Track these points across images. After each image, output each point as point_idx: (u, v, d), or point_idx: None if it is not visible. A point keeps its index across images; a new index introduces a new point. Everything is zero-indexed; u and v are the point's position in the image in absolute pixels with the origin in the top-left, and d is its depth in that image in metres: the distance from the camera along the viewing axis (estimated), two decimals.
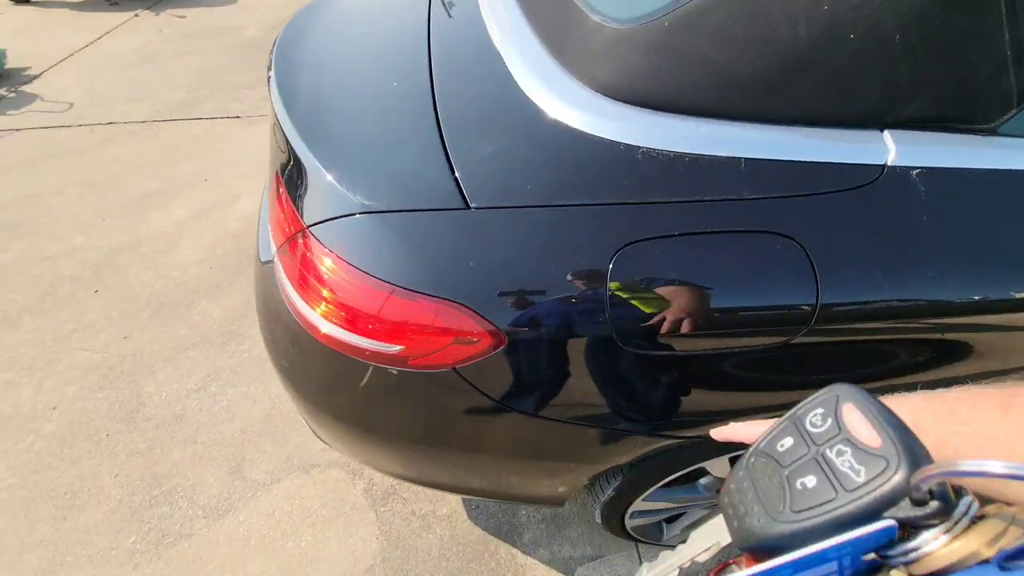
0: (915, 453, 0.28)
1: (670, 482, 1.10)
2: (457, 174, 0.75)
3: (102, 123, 3.02)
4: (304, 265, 0.80)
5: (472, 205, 0.73)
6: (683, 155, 0.72)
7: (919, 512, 0.26)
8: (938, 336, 0.79)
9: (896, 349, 0.80)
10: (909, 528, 0.27)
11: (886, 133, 0.72)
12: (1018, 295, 0.75)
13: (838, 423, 0.31)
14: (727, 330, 0.73)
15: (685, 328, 0.72)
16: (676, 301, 0.71)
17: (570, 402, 0.80)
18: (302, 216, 0.80)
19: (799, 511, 0.29)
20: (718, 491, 1.08)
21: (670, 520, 1.24)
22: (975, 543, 0.25)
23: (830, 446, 0.30)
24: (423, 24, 1.01)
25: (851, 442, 0.30)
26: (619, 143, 0.73)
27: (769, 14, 0.71)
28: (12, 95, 3.31)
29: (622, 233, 0.71)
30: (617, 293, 0.70)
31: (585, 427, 0.83)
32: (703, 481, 1.10)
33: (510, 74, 0.84)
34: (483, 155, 0.77)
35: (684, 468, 0.97)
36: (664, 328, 0.72)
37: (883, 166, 0.71)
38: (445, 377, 0.77)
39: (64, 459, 1.49)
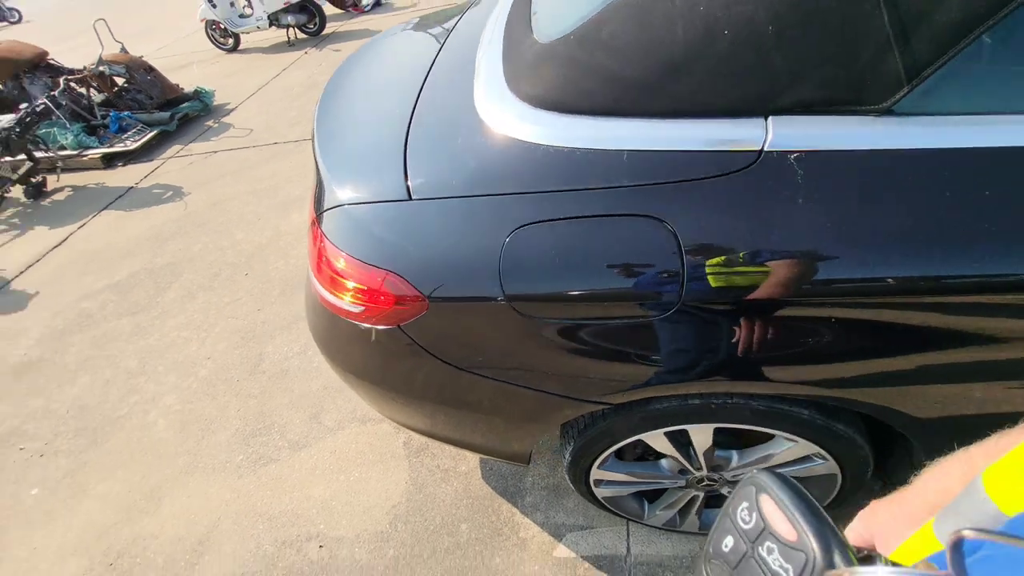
0: (827, 545, 0.30)
1: (628, 456, 1.17)
2: (408, 172, 0.95)
3: (269, 143, 3.81)
4: (314, 246, 1.07)
5: (413, 197, 0.92)
6: (576, 150, 0.83)
7: None
8: (799, 314, 0.78)
9: (765, 327, 0.80)
10: None
11: (769, 119, 0.74)
12: (898, 275, 0.71)
13: (761, 517, 0.33)
14: (605, 302, 0.82)
15: (566, 299, 0.83)
16: (561, 275, 0.83)
17: (487, 361, 0.95)
18: (315, 209, 1.07)
19: None
20: (681, 471, 1.12)
21: (652, 499, 1.28)
22: None
23: (760, 543, 0.32)
24: (432, 55, 1.23)
25: (775, 537, 0.32)
26: (527, 142, 0.86)
27: (652, 21, 0.79)
28: (216, 125, 4.32)
29: (517, 218, 0.84)
30: (509, 267, 0.84)
31: (507, 384, 0.96)
32: (664, 462, 1.14)
33: (472, 89, 1.02)
34: (430, 157, 0.95)
35: (623, 439, 1.04)
36: (549, 298, 0.84)
37: (759, 151, 0.74)
38: (395, 333, 0.97)
39: (208, 395, 2.01)
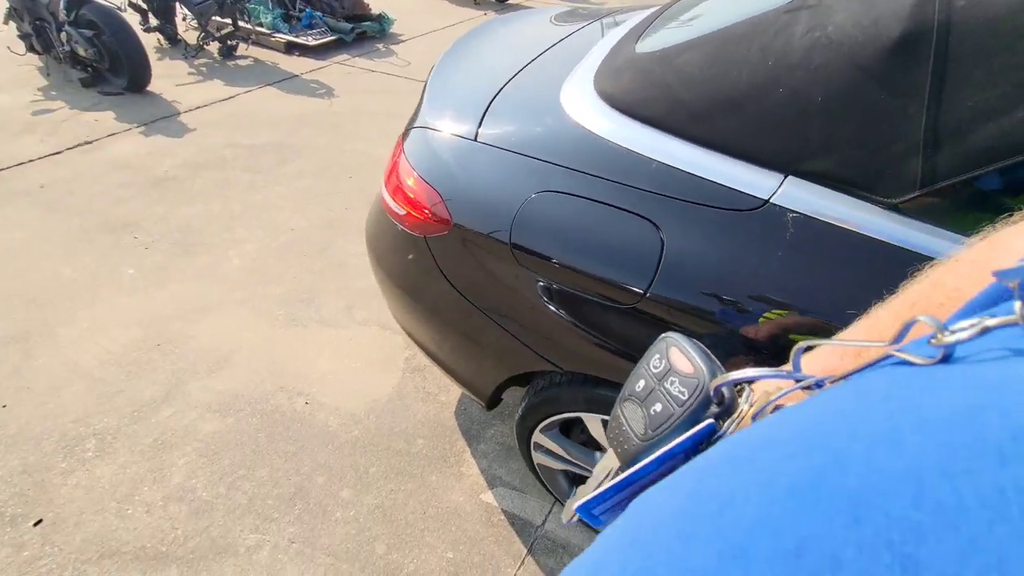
0: (712, 371, 0.37)
1: (568, 433, 1.28)
2: (483, 121, 1.12)
3: (418, 79, 4.17)
4: (393, 154, 1.27)
5: (478, 140, 1.10)
6: (618, 146, 0.95)
7: (720, 409, 0.36)
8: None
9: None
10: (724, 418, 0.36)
11: (788, 178, 0.82)
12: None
13: (668, 362, 0.39)
14: (584, 277, 0.94)
15: (556, 262, 0.96)
16: (560, 240, 0.96)
17: (480, 292, 1.10)
18: (406, 127, 1.28)
19: (656, 429, 0.37)
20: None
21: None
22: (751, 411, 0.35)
23: (666, 379, 0.39)
24: (554, 41, 1.39)
25: (677, 373, 0.38)
26: (584, 128, 1.00)
27: (723, 59, 0.89)
28: (383, 49, 4.77)
29: (546, 183, 0.98)
30: (523, 220, 0.99)
31: (488, 317, 1.11)
32: (599, 455, 1.24)
33: (566, 76, 1.17)
34: (505, 115, 1.12)
35: (565, 409, 1.16)
36: (543, 256, 0.97)
37: (765, 200, 0.82)
38: (419, 242, 1.15)
39: (279, 256, 2.34)
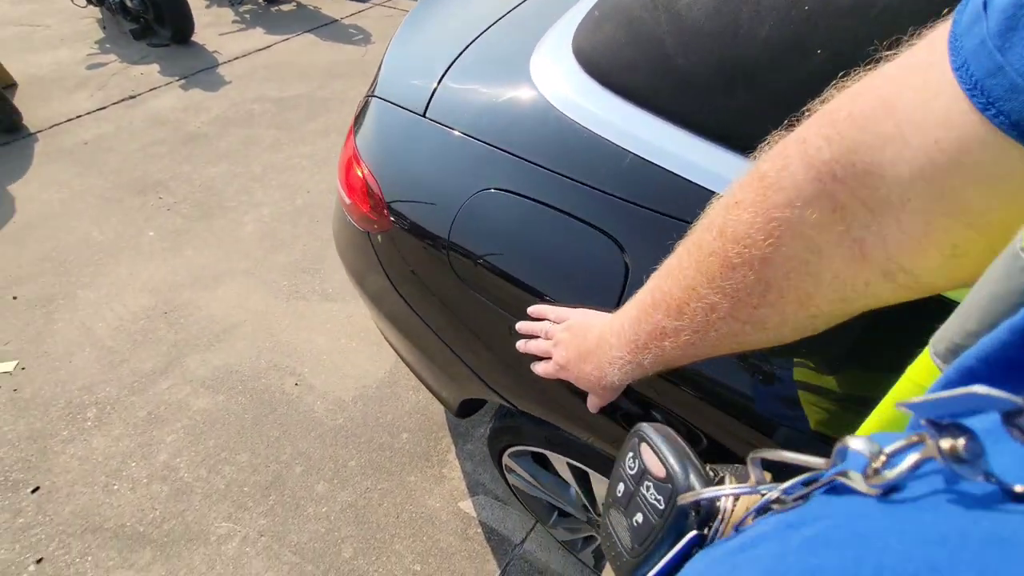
0: (684, 471, 0.34)
1: (541, 461, 1.10)
2: (436, 89, 0.89)
3: None
4: (349, 130, 1.08)
5: (427, 116, 0.88)
6: (584, 129, 0.71)
7: (700, 516, 0.32)
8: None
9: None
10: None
11: None
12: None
13: (642, 461, 0.37)
14: (531, 301, 0.73)
15: (499, 279, 0.75)
16: (504, 252, 0.75)
17: (425, 307, 0.92)
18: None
19: (641, 543, 0.35)
20: (584, 507, 1.04)
21: (564, 515, 1.22)
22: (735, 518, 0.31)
23: (641, 483, 0.36)
24: None
25: (651, 476, 0.35)
26: (548, 102, 0.76)
27: (736, 7, 0.60)
28: None
29: (492, 178, 0.76)
30: (464, 219, 0.78)
31: (436, 335, 0.93)
32: (572, 491, 1.06)
33: (544, 31, 0.90)
34: (462, 83, 0.88)
35: (528, 445, 0.98)
36: (485, 267, 0.77)
37: None
38: (364, 239, 0.98)
39: (291, 221, 2.26)
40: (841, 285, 0.32)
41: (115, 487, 1.45)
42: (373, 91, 1.00)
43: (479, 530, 1.35)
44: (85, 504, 1.42)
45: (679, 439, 0.37)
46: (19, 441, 1.55)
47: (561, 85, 0.76)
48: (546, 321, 0.64)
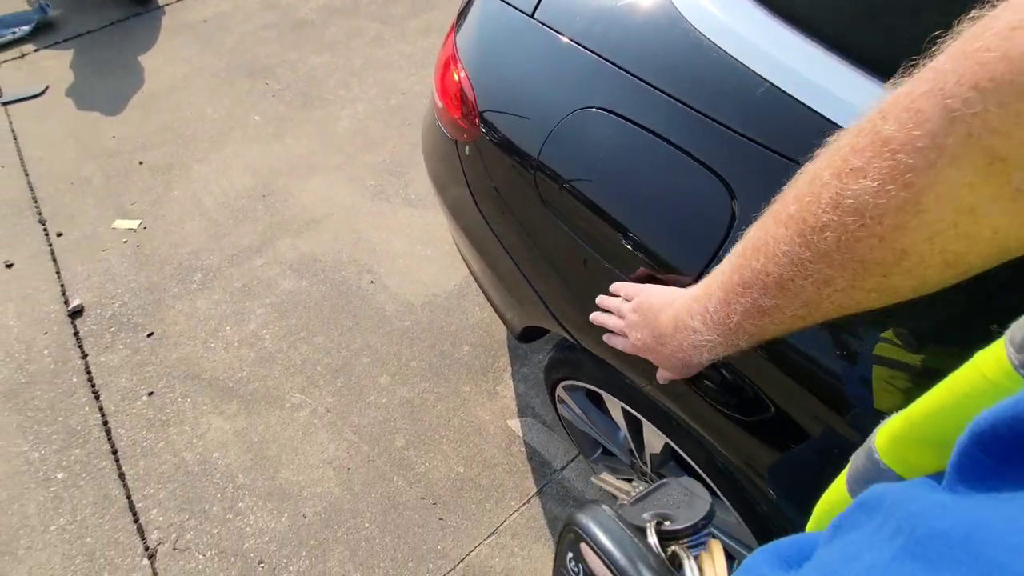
0: None
1: (595, 399, 1.09)
2: None
3: None
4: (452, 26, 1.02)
5: (535, 16, 0.80)
6: (715, 47, 0.61)
7: None
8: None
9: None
10: None
11: None
12: None
13: (585, 564, 0.34)
14: (618, 243, 0.68)
15: (586, 208, 0.70)
16: (598, 181, 0.69)
17: (503, 225, 0.89)
18: None
19: None
20: (629, 450, 1.04)
21: (606, 452, 1.23)
22: None
23: None
24: None
25: None
26: (675, 8, 0.66)
27: None
28: None
29: (597, 96, 0.69)
30: (558, 137, 0.72)
31: (509, 256, 0.91)
32: (621, 434, 1.05)
33: None
34: None
35: (585, 380, 0.97)
36: (573, 194, 0.72)
37: None
38: (451, 146, 0.94)
39: (384, 121, 2.27)
40: (1003, 238, 0.28)
41: (212, 345, 1.63)
42: None
43: (523, 449, 1.40)
44: (188, 354, 1.61)
45: (621, 524, 0.32)
46: (140, 291, 1.77)
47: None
48: (619, 298, 0.60)
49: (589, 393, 1.08)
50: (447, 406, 1.47)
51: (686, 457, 0.83)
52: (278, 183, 2.07)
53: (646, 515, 0.34)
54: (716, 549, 0.33)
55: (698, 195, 0.60)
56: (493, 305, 1.21)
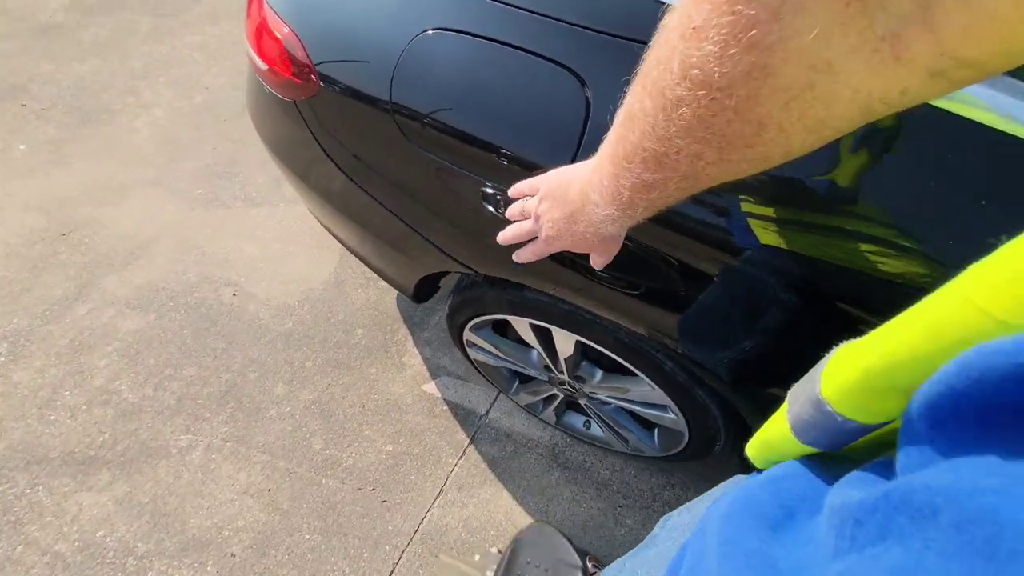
0: None
1: (501, 331, 1.14)
2: None
3: None
4: None
5: None
6: None
7: None
8: (690, 261, 0.66)
9: (648, 262, 0.68)
10: None
11: None
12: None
13: None
14: (490, 158, 0.70)
15: (452, 134, 0.71)
16: (456, 103, 0.70)
17: (367, 177, 0.87)
18: None
19: None
20: (546, 367, 1.09)
21: (524, 381, 1.29)
22: None
23: None
24: None
25: None
26: None
27: None
28: None
29: (433, 17, 0.69)
30: (405, 72, 0.71)
31: (383, 207, 0.89)
32: (534, 353, 1.11)
33: None
34: None
35: (492, 313, 1.00)
36: (436, 126, 0.72)
37: None
38: (291, 109, 0.88)
39: (193, 123, 2.01)
40: (866, 99, 0.25)
41: (51, 418, 1.36)
42: None
43: (445, 408, 1.40)
44: (21, 438, 1.33)
45: None
46: None
47: None
48: (523, 199, 0.55)
49: (495, 327, 1.12)
50: (358, 393, 1.42)
51: (597, 347, 0.91)
52: (78, 215, 1.74)
53: None
54: None
55: (550, 91, 0.64)
56: (378, 272, 1.17)
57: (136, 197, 1.80)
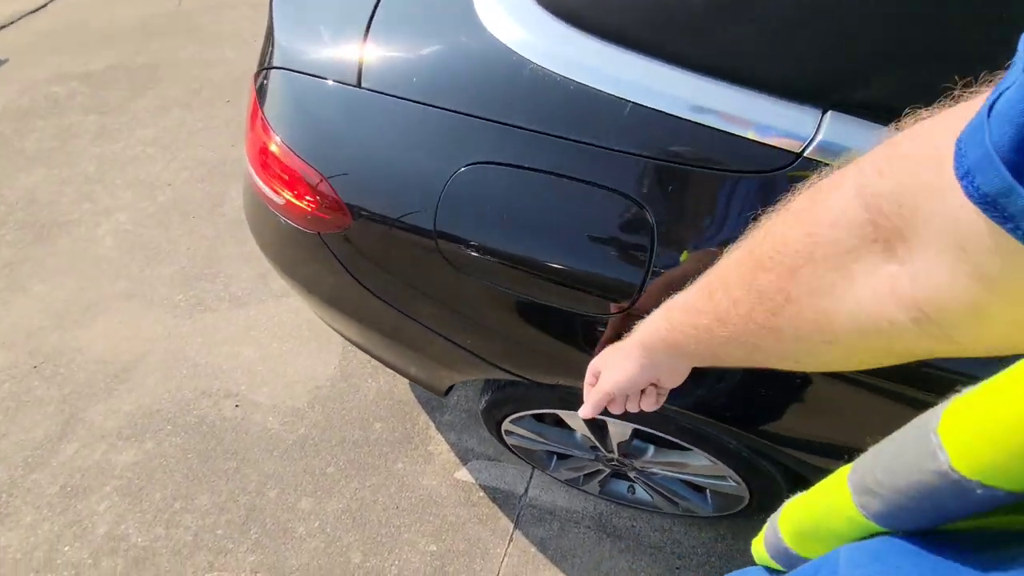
0: None
1: (542, 418, 1.12)
2: (362, 54, 0.76)
3: None
4: (250, 108, 0.90)
5: (363, 85, 0.75)
6: (568, 81, 0.65)
7: None
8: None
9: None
10: None
11: (828, 115, 0.57)
12: None
13: None
14: (546, 281, 0.70)
15: (503, 260, 0.70)
16: (506, 232, 0.70)
17: (410, 302, 0.85)
18: (259, 64, 0.89)
19: None
20: (592, 447, 1.08)
21: (561, 457, 1.27)
22: None
23: None
24: None
25: None
26: (515, 53, 0.68)
27: None
28: None
29: (475, 151, 0.69)
30: (449, 203, 0.70)
31: (427, 328, 0.87)
32: (579, 435, 1.10)
33: None
34: (397, 42, 0.76)
35: (539, 408, 0.99)
36: (484, 251, 0.71)
37: (798, 154, 0.58)
38: (315, 240, 0.85)
39: (161, 224, 1.92)
40: (863, 316, 0.31)
41: None
42: (271, 62, 0.84)
43: (482, 494, 1.36)
44: None
45: None
46: None
47: (522, 30, 0.68)
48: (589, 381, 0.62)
49: (536, 415, 1.10)
50: (388, 493, 1.36)
51: (654, 432, 0.91)
52: (48, 344, 1.62)
53: None
54: None
55: (609, 214, 0.65)
56: (404, 373, 1.14)
57: (110, 314, 1.69)
